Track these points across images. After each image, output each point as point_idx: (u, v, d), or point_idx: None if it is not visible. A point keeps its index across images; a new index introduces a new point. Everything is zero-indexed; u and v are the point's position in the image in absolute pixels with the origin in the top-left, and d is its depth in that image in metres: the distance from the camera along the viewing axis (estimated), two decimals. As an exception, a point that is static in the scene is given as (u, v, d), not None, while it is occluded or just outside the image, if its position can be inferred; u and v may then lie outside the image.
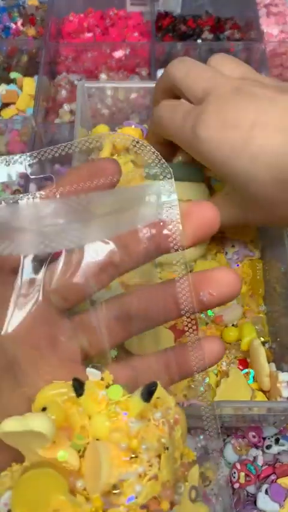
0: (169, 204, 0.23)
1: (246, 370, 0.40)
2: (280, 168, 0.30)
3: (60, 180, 0.24)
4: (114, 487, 0.20)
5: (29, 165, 0.24)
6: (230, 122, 0.31)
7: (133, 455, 0.20)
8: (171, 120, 0.36)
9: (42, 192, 0.23)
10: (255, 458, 0.39)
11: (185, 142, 0.35)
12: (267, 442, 0.40)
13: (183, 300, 0.23)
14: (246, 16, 0.69)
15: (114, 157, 0.52)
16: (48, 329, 0.23)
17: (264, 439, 0.40)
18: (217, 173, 0.34)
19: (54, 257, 0.23)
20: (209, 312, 0.41)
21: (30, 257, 0.23)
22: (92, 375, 0.23)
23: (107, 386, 0.22)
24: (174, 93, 0.37)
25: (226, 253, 0.44)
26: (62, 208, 0.22)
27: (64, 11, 0.71)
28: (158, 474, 0.20)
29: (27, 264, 0.23)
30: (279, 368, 0.39)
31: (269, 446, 0.39)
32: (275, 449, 0.39)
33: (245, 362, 0.40)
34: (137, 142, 0.23)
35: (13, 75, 0.64)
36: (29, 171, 0.24)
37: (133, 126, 0.52)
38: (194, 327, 0.23)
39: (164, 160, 0.23)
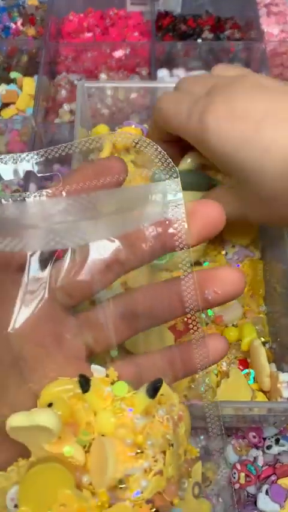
0: (175, 203, 0.23)
1: (247, 370, 0.39)
2: None
3: (67, 179, 0.24)
4: (120, 481, 0.20)
5: (36, 163, 0.24)
6: (239, 111, 0.31)
7: (139, 451, 0.21)
8: (175, 112, 0.35)
9: (49, 190, 0.23)
10: (255, 458, 0.39)
11: (190, 135, 0.34)
12: (267, 443, 0.40)
13: (188, 298, 0.23)
14: (247, 16, 0.69)
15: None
16: (53, 326, 0.24)
17: (264, 439, 0.40)
18: (224, 166, 0.33)
19: (59, 256, 0.23)
20: (209, 312, 0.41)
21: (36, 255, 0.23)
22: (97, 371, 0.23)
23: (112, 383, 0.22)
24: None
25: (226, 253, 0.44)
26: (70, 206, 0.22)
27: (64, 10, 0.71)
28: (163, 470, 0.21)
29: (33, 262, 0.23)
30: (280, 368, 0.39)
31: (269, 447, 0.39)
32: (276, 449, 0.39)
33: (245, 362, 0.40)
34: (144, 141, 0.24)
35: (13, 75, 0.64)
36: (35, 169, 0.24)
37: (133, 126, 0.52)
38: (199, 325, 0.23)
39: (170, 159, 0.23)
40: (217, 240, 0.44)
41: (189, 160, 0.38)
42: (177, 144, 0.38)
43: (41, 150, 0.24)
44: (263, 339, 0.41)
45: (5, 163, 0.24)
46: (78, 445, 0.21)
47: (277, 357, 0.40)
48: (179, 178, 0.23)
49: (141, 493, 0.20)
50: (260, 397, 0.38)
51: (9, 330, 0.22)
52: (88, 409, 0.21)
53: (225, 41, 0.67)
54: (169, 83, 0.58)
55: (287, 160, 0.29)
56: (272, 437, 0.40)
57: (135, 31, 0.69)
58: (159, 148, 0.23)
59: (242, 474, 0.38)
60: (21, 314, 0.23)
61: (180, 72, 0.66)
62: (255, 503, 0.37)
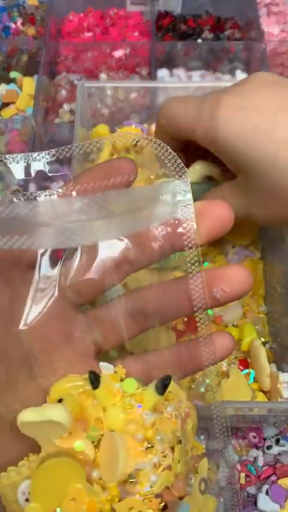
0: (184, 203, 0.23)
1: (247, 370, 0.39)
2: None
3: (78, 179, 0.24)
4: (130, 476, 0.20)
5: (47, 163, 0.24)
6: (252, 104, 0.30)
7: (149, 446, 0.21)
8: (183, 112, 0.34)
9: (60, 190, 0.24)
10: (255, 458, 0.39)
11: (200, 133, 0.33)
12: (267, 443, 0.40)
13: (197, 296, 0.23)
14: (247, 15, 0.69)
15: (114, 157, 0.52)
16: (63, 324, 0.24)
17: (264, 439, 0.40)
18: (234, 162, 0.32)
19: (59, 255, 0.24)
20: (209, 312, 0.41)
21: (47, 253, 0.23)
22: (105, 368, 0.23)
23: (122, 380, 0.23)
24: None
25: (226, 253, 0.44)
26: (82, 205, 0.23)
27: (64, 10, 0.71)
28: (171, 465, 0.21)
29: (43, 260, 0.23)
30: (280, 368, 0.39)
31: (269, 447, 0.39)
32: (276, 449, 0.39)
33: (245, 362, 0.40)
34: (155, 142, 0.24)
35: (13, 74, 0.64)
36: (47, 169, 0.24)
37: (133, 126, 0.52)
38: (207, 323, 0.24)
39: (180, 160, 0.23)
40: (217, 241, 0.44)
41: (198, 168, 0.37)
42: (183, 154, 0.38)
43: (52, 150, 0.24)
44: (263, 339, 0.41)
45: (17, 162, 0.24)
46: (88, 441, 0.21)
47: (277, 357, 0.40)
48: (188, 179, 0.23)
49: (151, 487, 0.20)
50: (260, 397, 0.38)
51: (20, 327, 0.23)
52: (97, 405, 0.22)
53: (225, 41, 0.67)
54: (169, 83, 0.58)
55: None
56: (272, 437, 0.40)
57: (135, 31, 0.69)
58: (170, 149, 0.24)
59: (242, 474, 0.38)
60: (31, 311, 0.23)
61: (180, 72, 0.66)
62: (255, 503, 0.37)
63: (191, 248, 0.23)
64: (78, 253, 0.23)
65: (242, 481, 0.38)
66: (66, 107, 0.61)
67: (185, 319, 0.33)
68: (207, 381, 0.31)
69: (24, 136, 0.56)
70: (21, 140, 0.57)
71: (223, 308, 0.41)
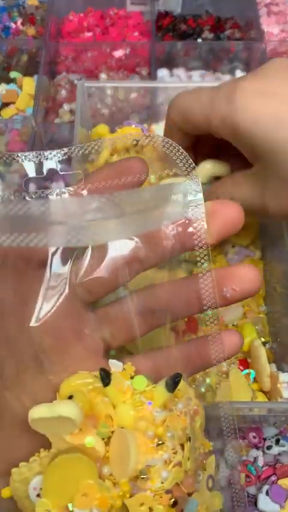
0: (195, 203, 0.23)
1: (247, 370, 0.39)
2: None
3: (89, 178, 0.24)
4: (141, 472, 0.21)
5: (59, 161, 0.24)
6: (271, 89, 0.30)
7: (160, 442, 0.21)
8: (196, 102, 0.33)
9: (71, 188, 0.24)
10: (255, 459, 0.39)
11: (216, 122, 0.32)
12: (267, 443, 0.40)
13: (207, 295, 0.24)
14: (247, 15, 0.69)
15: (114, 157, 0.52)
16: (73, 321, 0.24)
17: (264, 439, 0.40)
18: (252, 150, 0.31)
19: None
20: (209, 312, 0.41)
21: (58, 251, 0.23)
22: (115, 366, 0.23)
23: (132, 377, 0.23)
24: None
25: (226, 253, 0.44)
26: (99, 204, 0.23)
27: (64, 10, 0.71)
28: (181, 462, 0.21)
29: (55, 258, 0.23)
30: (280, 368, 0.39)
31: (269, 447, 0.39)
32: (276, 450, 0.39)
33: (245, 362, 0.40)
34: (167, 142, 0.24)
35: (13, 74, 0.64)
36: (59, 167, 0.24)
37: (133, 126, 0.52)
38: (216, 321, 0.24)
39: (191, 160, 0.24)
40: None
41: (207, 166, 0.36)
42: (192, 152, 0.37)
43: (64, 149, 0.24)
44: (263, 339, 0.41)
45: (29, 160, 0.24)
46: (98, 437, 0.21)
47: (277, 357, 0.40)
48: (199, 179, 0.23)
49: (162, 483, 0.21)
50: (260, 397, 0.38)
51: (31, 323, 0.23)
52: (107, 402, 0.22)
53: (225, 40, 0.67)
54: (169, 83, 0.58)
55: None
56: (272, 437, 0.40)
57: (135, 31, 0.69)
58: (181, 148, 0.24)
59: (242, 474, 0.38)
60: (42, 308, 0.23)
61: (180, 72, 0.66)
62: (255, 503, 0.37)
63: (201, 248, 0.23)
64: (88, 252, 0.23)
65: (242, 481, 0.38)
66: (66, 107, 0.61)
67: (185, 318, 0.33)
68: (208, 380, 0.31)
69: (24, 136, 0.56)
70: (21, 140, 0.57)
71: (223, 308, 0.40)
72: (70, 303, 0.24)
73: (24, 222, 0.22)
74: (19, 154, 0.24)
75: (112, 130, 0.55)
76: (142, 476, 0.21)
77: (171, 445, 0.21)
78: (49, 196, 0.23)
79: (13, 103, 0.61)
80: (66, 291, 0.23)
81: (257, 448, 0.40)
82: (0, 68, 0.64)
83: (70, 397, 0.21)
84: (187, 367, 0.25)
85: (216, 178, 0.37)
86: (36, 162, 0.24)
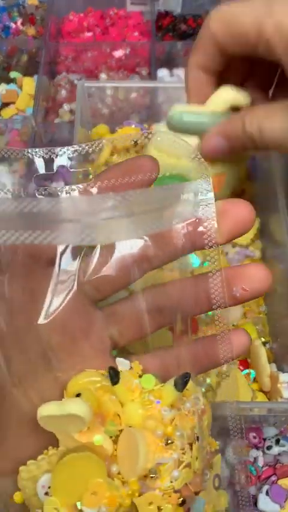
0: (205, 202, 0.23)
1: (247, 370, 0.39)
2: None
3: (99, 177, 0.24)
4: (151, 471, 0.21)
5: (69, 158, 0.24)
6: None
7: (169, 441, 0.21)
8: (247, 7, 0.28)
9: (80, 186, 0.24)
10: (255, 459, 0.39)
11: (270, 28, 0.27)
12: (267, 443, 0.39)
13: (216, 294, 0.23)
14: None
15: (114, 157, 0.52)
16: (81, 319, 0.24)
17: (264, 439, 0.40)
18: None
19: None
20: (209, 313, 0.41)
21: (67, 249, 0.23)
22: (122, 364, 0.23)
23: (140, 376, 0.23)
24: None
25: (227, 253, 0.44)
26: (110, 203, 0.22)
27: (64, 10, 0.71)
28: (191, 462, 0.21)
29: (64, 255, 0.23)
30: (280, 368, 0.39)
31: (269, 447, 0.39)
32: (276, 450, 0.39)
33: (245, 362, 0.40)
34: (179, 140, 0.24)
35: (13, 74, 0.64)
36: (69, 164, 0.24)
37: (133, 126, 0.52)
38: (225, 320, 0.24)
39: (203, 158, 0.23)
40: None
41: (230, 93, 0.32)
42: (220, 75, 0.33)
43: (75, 145, 0.24)
44: (263, 339, 0.41)
45: (39, 157, 0.24)
46: (106, 435, 0.21)
47: (277, 357, 0.40)
48: (210, 178, 0.23)
49: (171, 482, 0.21)
50: (261, 397, 0.38)
51: (39, 321, 0.23)
52: (115, 400, 0.22)
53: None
54: (169, 83, 0.58)
55: None
56: (272, 437, 0.40)
57: (135, 31, 0.69)
58: (194, 148, 0.23)
59: (243, 475, 0.38)
60: (50, 306, 0.23)
61: (180, 72, 0.66)
62: (255, 503, 0.37)
63: (211, 247, 0.23)
64: (97, 249, 0.23)
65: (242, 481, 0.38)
66: (66, 106, 0.61)
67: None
68: (208, 380, 0.31)
69: (24, 136, 0.56)
70: (21, 140, 0.57)
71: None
72: (78, 301, 0.24)
73: (35, 220, 0.21)
74: (29, 150, 0.23)
75: (112, 131, 0.55)
76: (151, 475, 0.21)
77: (180, 445, 0.21)
78: (59, 194, 0.23)
79: (13, 103, 0.61)
80: (75, 288, 0.23)
81: (257, 448, 0.40)
82: (0, 68, 0.64)
83: (78, 395, 0.21)
84: (194, 367, 0.25)
85: (235, 109, 0.33)
86: (47, 158, 0.24)
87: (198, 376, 0.33)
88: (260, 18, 0.28)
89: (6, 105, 0.61)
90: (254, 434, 0.40)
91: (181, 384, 0.22)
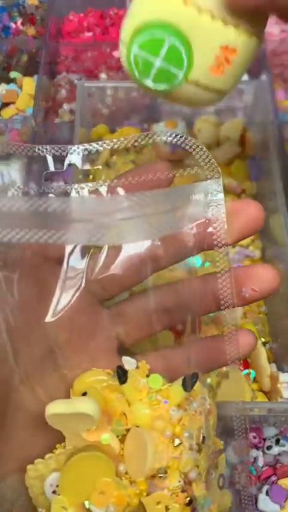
0: (216, 203, 0.23)
1: (247, 370, 0.39)
2: None
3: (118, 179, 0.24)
4: (159, 471, 0.21)
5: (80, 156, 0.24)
6: None
7: (178, 442, 0.21)
8: None
9: (90, 184, 0.24)
10: (255, 459, 0.39)
11: None
12: (267, 443, 0.40)
13: (225, 295, 0.23)
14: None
15: (114, 157, 0.52)
16: (87, 317, 0.24)
17: (264, 439, 0.40)
18: None
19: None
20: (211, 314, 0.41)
21: (76, 247, 0.23)
22: (128, 363, 0.23)
23: (148, 375, 0.23)
24: None
25: (227, 253, 0.44)
26: (126, 203, 0.22)
27: (64, 10, 0.71)
28: (199, 462, 0.21)
29: (72, 254, 0.23)
30: (280, 369, 0.39)
31: (269, 447, 0.39)
32: (276, 450, 0.39)
33: (245, 363, 0.40)
34: (190, 140, 0.24)
35: (13, 74, 0.64)
36: (79, 162, 0.24)
37: (133, 126, 0.52)
38: (234, 321, 0.24)
39: (213, 159, 0.23)
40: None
41: None
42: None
43: (85, 144, 0.24)
44: (263, 339, 0.41)
45: (50, 154, 0.24)
46: (113, 434, 0.21)
47: (277, 357, 0.40)
48: (220, 179, 0.23)
49: (179, 482, 0.21)
50: (261, 397, 0.38)
51: (47, 318, 0.23)
52: (121, 399, 0.22)
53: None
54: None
55: None
56: (272, 437, 0.40)
57: (135, 31, 0.69)
58: (204, 147, 0.23)
59: (243, 475, 0.38)
60: (58, 304, 0.23)
61: (180, 72, 0.65)
62: (255, 503, 0.37)
63: (220, 248, 0.23)
64: (105, 249, 0.24)
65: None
66: (66, 106, 0.61)
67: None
68: (208, 380, 0.31)
69: (24, 136, 0.56)
70: (21, 140, 0.57)
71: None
72: (85, 299, 0.24)
73: (48, 219, 0.21)
74: (40, 147, 0.23)
75: (112, 131, 0.55)
76: (160, 475, 0.21)
77: (189, 445, 0.21)
78: (72, 195, 0.24)
79: (13, 103, 0.61)
80: (82, 287, 0.23)
81: (257, 448, 0.40)
82: (0, 68, 0.64)
83: (84, 394, 0.22)
84: (201, 366, 0.25)
85: None
86: (58, 155, 0.24)
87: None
88: None
89: (6, 105, 0.61)
90: (254, 434, 0.40)
91: (189, 384, 0.22)
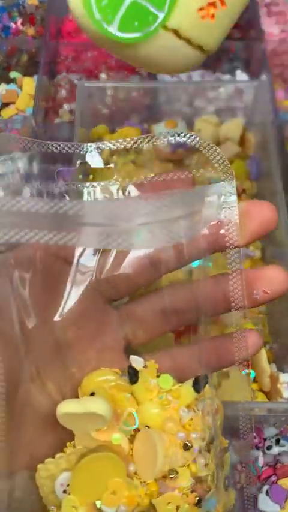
0: (228, 205, 0.23)
1: (247, 370, 0.39)
2: None
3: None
4: (170, 472, 0.21)
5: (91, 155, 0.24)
6: None
7: (189, 445, 0.22)
8: None
9: (102, 183, 0.24)
10: (255, 459, 0.39)
11: None
12: (267, 443, 0.39)
13: (236, 297, 0.23)
14: (247, 15, 0.69)
15: (114, 157, 0.52)
16: (96, 317, 0.24)
17: (264, 439, 0.40)
18: None
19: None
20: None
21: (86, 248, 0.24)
22: (136, 361, 0.23)
23: (158, 376, 0.23)
24: None
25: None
26: (148, 208, 0.22)
27: (64, 10, 0.70)
28: (209, 462, 0.22)
29: (81, 254, 0.23)
30: (280, 369, 0.39)
31: (269, 447, 0.39)
32: (276, 450, 0.39)
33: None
34: (204, 141, 0.23)
35: (13, 74, 0.64)
36: (91, 161, 0.24)
37: (133, 126, 0.52)
38: (243, 321, 0.24)
39: (227, 160, 0.23)
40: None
41: None
42: None
43: (98, 142, 0.24)
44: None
45: (63, 151, 0.24)
46: (123, 434, 0.21)
47: (277, 358, 0.40)
48: (234, 181, 0.23)
49: (190, 483, 0.21)
50: (261, 397, 0.38)
51: (55, 316, 0.23)
52: (130, 399, 0.22)
53: (225, 40, 0.67)
54: (169, 82, 0.58)
55: None
56: (272, 437, 0.40)
57: (135, 31, 0.69)
58: (218, 149, 0.23)
59: (243, 475, 0.38)
60: (67, 302, 0.23)
61: (180, 72, 0.65)
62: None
63: (232, 249, 0.23)
64: (115, 249, 0.24)
65: (242, 481, 0.38)
66: (66, 106, 0.61)
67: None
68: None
69: (24, 136, 0.56)
70: (21, 140, 0.57)
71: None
72: (94, 299, 0.24)
73: (63, 221, 0.21)
74: (53, 143, 0.23)
75: (112, 131, 0.55)
76: (171, 476, 0.21)
77: (199, 447, 0.21)
78: (84, 197, 0.23)
79: (13, 103, 0.61)
80: (91, 286, 0.24)
81: (257, 448, 0.40)
82: (0, 68, 0.64)
83: (92, 394, 0.22)
84: (208, 366, 0.25)
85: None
86: (70, 153, 0.24)
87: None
88: None
89: (6, 105, 0.61)
90: (254, 434, 0.40)
91: (201, 385, 0.22)
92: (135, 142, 0.23)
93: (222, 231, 0.23)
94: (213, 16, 0.21)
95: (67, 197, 0.23)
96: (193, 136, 0.23)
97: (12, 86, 0.63)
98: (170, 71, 0.26)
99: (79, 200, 0.22)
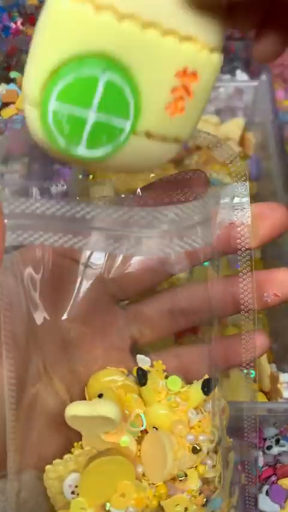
0: (241, 206, 0.23)
1: (246, 370, 0.39)
2: None
3: (147, 189, 0.24)
4: (179, 475, 0.21)
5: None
6: None
7: (198, 448, 0.22)
8: None
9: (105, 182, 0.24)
10: (255, 459, 0.39)
11: None
12: (267, 443, 0.39)
13: (246, 299, 0.23)
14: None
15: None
16: (103, 316, 0.24)
17: (264, 440, 0.40)
18: None
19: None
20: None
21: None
22: (142, 361, 0.24)
23: (166, 377, 0.23)
24: None
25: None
26: (170, 215, 0.22)
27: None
28: (216, 463, 0.22)
29: (90, 254, 0.24)
30: (280, 369, 0.39)
31: (269, 447, 0.39)
32: (276, 450, 0.39)
33: (245, 362, 0.40)
34: (218, 142, 0.23)
35: (13, 74, 0.64)
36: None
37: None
38: (251, 322, 0.24)
39: (241, 162, 0.23)
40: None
41: None
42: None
43: None
44: (263, 339, 0.41)
45: None
46: (131, 436, 0.21)
47: (277, 358, 0.40)
48: (247, 182, 0.23)
49: (199, 485, 0.21)
50: (260, 397, 0.38)
51: (63, 316, 0.23)
52: (137, 400, 0.22)
53: (225, 40, 0.67)
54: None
55: None
56: (272, 437, 0.40)
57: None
58: (232, 149, 0.23)
59: (242, 475, 0.38)
60: (74, 301, 0.24)
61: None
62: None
63: (244, 251, 0.23)
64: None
65: (242, 481, 0.38)
66: (66, 106, 0.61)
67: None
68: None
69: (24, 136, 0.56)
70: (21, 140, 0.57)
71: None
72: (101, 298, 0.24)
73: (78, 224, 0.21)
74: None
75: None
76: (180, 479, 0.21)
77: (207, 449, 0.22)
78: (97, 201, 0.23)
79: (13, 103, 0.61)
80: (99, 286, 0.24)
81: (257, 447, 0.40)
82: (0, 68, 0.64)
83: (100, 395, 0.22)
84: (216, 366, 0.25)
85: None
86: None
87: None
88: None
89: (6, 105, 0.61)
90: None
91: (210, 387, 0.22)
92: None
93: (233, 233, 0.23)
94: (182, 109, 0.19)
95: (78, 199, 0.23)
96: (207, 138, 0.23)
97: (12, 86, 0.63)
98: (146, 170, 0.25)
99: (93, 204, 0.22)
